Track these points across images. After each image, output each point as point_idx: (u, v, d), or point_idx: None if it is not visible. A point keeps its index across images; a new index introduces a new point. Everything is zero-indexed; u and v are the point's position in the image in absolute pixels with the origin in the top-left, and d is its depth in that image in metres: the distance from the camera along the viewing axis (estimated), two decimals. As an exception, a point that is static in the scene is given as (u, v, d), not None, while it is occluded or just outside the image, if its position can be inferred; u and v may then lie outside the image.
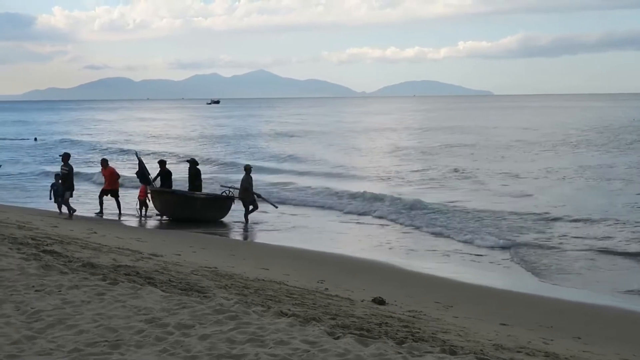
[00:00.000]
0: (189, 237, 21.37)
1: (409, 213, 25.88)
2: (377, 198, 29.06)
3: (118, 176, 26.88)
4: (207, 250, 18.55)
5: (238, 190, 25.14)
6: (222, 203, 25.58)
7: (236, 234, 23.61)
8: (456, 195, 30.60)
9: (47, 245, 14.39)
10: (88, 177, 37.42)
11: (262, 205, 25.58)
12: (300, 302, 10.95)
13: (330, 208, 28.56)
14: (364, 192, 30.32)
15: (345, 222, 25.73)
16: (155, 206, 26.07)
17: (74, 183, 25.75)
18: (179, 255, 16.47)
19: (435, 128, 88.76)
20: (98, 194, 26.98)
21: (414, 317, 11.23)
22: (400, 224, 24.67)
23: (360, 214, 27.02)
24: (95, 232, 19.62)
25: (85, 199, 28.97)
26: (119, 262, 13.27)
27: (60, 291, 9.52)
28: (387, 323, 9.87)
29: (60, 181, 24.96)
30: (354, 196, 30.18)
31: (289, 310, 9.49)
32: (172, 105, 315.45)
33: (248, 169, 25.65)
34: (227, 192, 26.28)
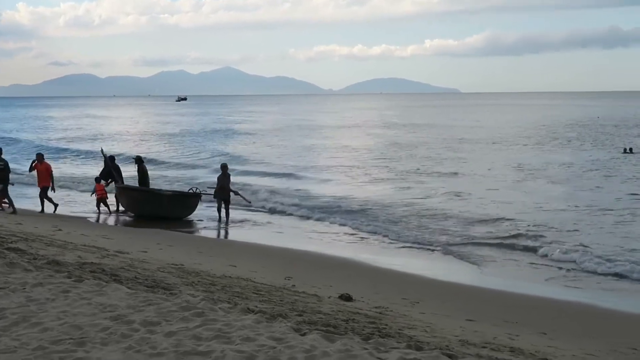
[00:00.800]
0: (156, 234, 21.24)
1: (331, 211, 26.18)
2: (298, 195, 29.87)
3: (52, 171, 25.83)
4: (174, 247, 18.47)
5: (214, 189, 24.99)
6: (189, 200, 25.46)
7: (204, 231, 23.49)
8: (402, 194, 30.86)
9: (11, 242, 14.22)
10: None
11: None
12: (267, 299, 10.94)
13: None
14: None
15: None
16: (121, 203, 25.93)
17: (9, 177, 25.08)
18: (146, 252, 16.40)
19: (395, 125, 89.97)
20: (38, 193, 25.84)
21: (380, 313, 11.28)
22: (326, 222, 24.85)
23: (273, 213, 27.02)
24: (60, 230, 19.45)
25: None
26: (85, 259, 13.16)
27: (24, 289, 9.43)
28: (353, 319, 9.89)
29: None
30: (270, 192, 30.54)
31: (256, 307, 9.48)
32: (138, 103, 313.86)
33: (224, 167, 25.35)
34: (194, 189, 26.22)
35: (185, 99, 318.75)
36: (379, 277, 16.28)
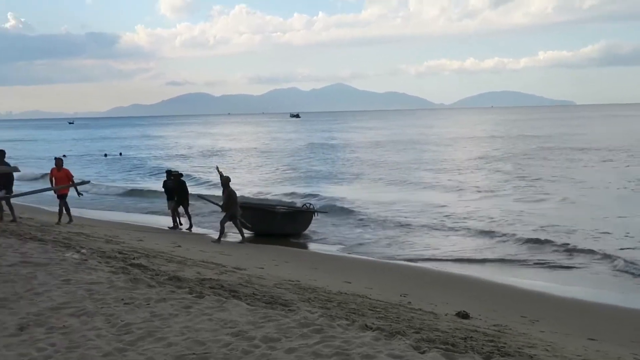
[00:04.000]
0: (272, 251, 21.52)
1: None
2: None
3: (72, 177, 24.03)
4: (289, 263, 18.65)
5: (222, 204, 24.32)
6: (302, 216, 25.70)
7: (318, 247, 23.56)
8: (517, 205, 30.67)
9: (134, 258, 14.68)
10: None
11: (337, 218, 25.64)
12: (383, 316, 10.90)
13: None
14: None
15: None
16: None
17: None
18: (262, 268, 16.61)
19: (507, 137, 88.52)
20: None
21: (499, 331, 11.07)
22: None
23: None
24: (179, 246, 19.94)
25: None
26: (204, 275, 13.44)
27: (148, 304, 9.71)
28: (472, 337, 9.74)
29: None
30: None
31: (373, 323, 9.46)
32: (254, 120, 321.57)
33: (226, 180, 24.22)
34: (308, 205, 26.44)
35: (298, 115, 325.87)
36: (496, 294, 16.04)
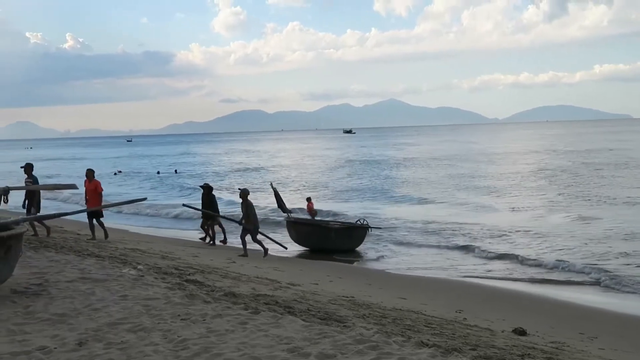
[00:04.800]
0: (326, 266, 21.55)
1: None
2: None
3: (101, 192, 22.59)
4: (343, 279, 18.64)
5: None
6: (356, 232, 25.69)
7: (371, 263, 23.51)
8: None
9: (189, 274, 14.77)
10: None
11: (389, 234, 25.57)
12: (439, 332, 10.81)
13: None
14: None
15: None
16: (291, 236, 26.33)
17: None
18: (317, 284, 16.61)
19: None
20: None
21: (557, 348, 10.92)
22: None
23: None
24: (234, 262, 20.04)
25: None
26: (258, 291, 13.47)
27: (204, 320, 9.76)
28: (529, 354, 9.62)
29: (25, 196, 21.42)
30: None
31: (429, 340, 9.40)
32: (307, 136, 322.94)
33: (244, 194, 23.32)
34: (362, 220, 26.43)
35: (351, 131, 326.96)
36: (553, 310, 15.81)
